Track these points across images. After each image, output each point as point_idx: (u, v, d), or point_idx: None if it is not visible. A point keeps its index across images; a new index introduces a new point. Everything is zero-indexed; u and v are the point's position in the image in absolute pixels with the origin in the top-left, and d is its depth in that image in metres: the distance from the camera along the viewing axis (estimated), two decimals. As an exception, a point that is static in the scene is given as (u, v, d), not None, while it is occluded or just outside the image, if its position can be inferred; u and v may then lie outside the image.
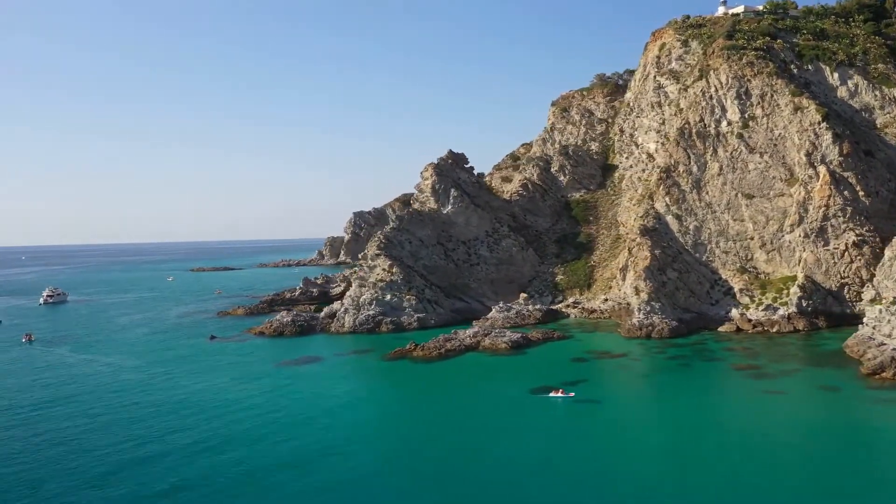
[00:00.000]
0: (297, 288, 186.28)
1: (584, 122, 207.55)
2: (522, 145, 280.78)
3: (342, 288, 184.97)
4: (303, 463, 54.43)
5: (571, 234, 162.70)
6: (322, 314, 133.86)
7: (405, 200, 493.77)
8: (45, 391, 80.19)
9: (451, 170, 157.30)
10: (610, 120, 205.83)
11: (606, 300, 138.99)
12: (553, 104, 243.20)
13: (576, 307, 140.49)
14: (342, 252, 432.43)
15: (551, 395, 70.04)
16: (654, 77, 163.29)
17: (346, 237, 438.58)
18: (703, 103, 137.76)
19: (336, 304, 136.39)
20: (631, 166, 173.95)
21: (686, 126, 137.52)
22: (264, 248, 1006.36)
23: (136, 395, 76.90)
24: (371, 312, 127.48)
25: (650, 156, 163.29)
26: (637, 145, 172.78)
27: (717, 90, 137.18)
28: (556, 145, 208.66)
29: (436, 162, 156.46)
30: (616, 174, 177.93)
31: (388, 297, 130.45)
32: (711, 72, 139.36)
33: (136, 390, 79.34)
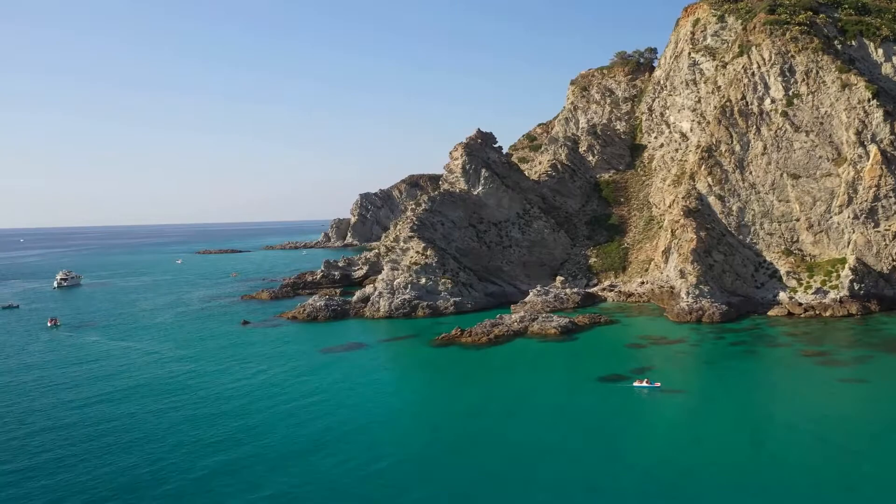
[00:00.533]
0: (319, 271, 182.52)
1: (608, 101, 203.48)
2: (538, 125, 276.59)
3: (364, 271, 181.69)
4: (409, 464, 51.13)
5: (603, 216, 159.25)
6: (354, 298, 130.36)
7: (412, 182, 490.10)
8: (96, 385, 75.65)
9: (481, 149, 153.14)
10: (634, 99, 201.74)
11: (643, 283, 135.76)
12: (572, 83, 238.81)
13: (612, 290, 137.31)
14: (349, 234, 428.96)
15: (635, 384, 66.97)
16: (689, 54, 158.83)
17: (353, 219, 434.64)
18: (745, 80, 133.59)
19: (368, 288, 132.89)
20: (661, 146, 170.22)
21: (727, 104, 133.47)
22: (262, 230, 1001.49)
23: (195, 388, 72.93)
24: (407, 296, 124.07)
25: (683, 135, 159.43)
26: (668, 124, 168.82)
27: (759, 67, 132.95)
28: (580, 125, 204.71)
29: (465, 141, 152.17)
30: (645, 154, 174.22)
31: (423, 280, 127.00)
32: (753, 48, 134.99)
33: (194, 383, 75.56)
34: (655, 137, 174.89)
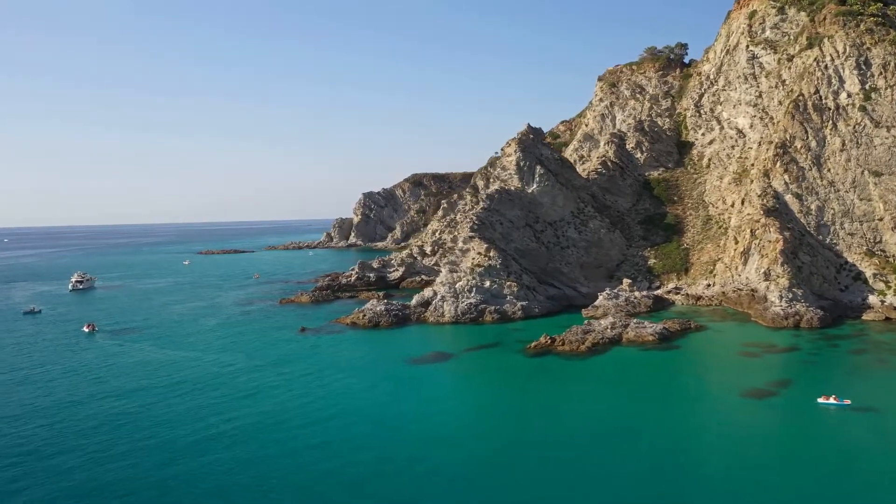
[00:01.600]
0: (353, 272, 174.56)
1: (646, 97, 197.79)
2: (561, 122, 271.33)
3: (400, 273, 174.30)
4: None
5: (657, 215, 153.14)
6: (414, 302, 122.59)
7: (415, 181, 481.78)
8: (212, 418, 66.43)
9: (533, 145, 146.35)
10: (674, 94, 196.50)
11: (710, 286, 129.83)
12: (600, 79, 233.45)
13: (677, 293, 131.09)
14: (352, 234, 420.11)
15: (820, 401, 60.44)
16: (747, 47, 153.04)
17: (356, 218, 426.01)
18: (818, 74, 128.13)
19: (427, 292, 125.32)
20: (711, 142, 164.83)
21: (800, 98, 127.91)
22: (249, 230, 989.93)
23: (298, 407, 65.16)
24: (472, 300, 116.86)
25: (740, 131, 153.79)
26: (719, 120, 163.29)
27: (832, 60, 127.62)
28: (617, 121, 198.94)
29: (518, 137, 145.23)
30: (694, 151, 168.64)
31: (488, 283, 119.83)
32: (825, 40, 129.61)
33: (292, 401, 67.76)
34: (703, 134, 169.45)
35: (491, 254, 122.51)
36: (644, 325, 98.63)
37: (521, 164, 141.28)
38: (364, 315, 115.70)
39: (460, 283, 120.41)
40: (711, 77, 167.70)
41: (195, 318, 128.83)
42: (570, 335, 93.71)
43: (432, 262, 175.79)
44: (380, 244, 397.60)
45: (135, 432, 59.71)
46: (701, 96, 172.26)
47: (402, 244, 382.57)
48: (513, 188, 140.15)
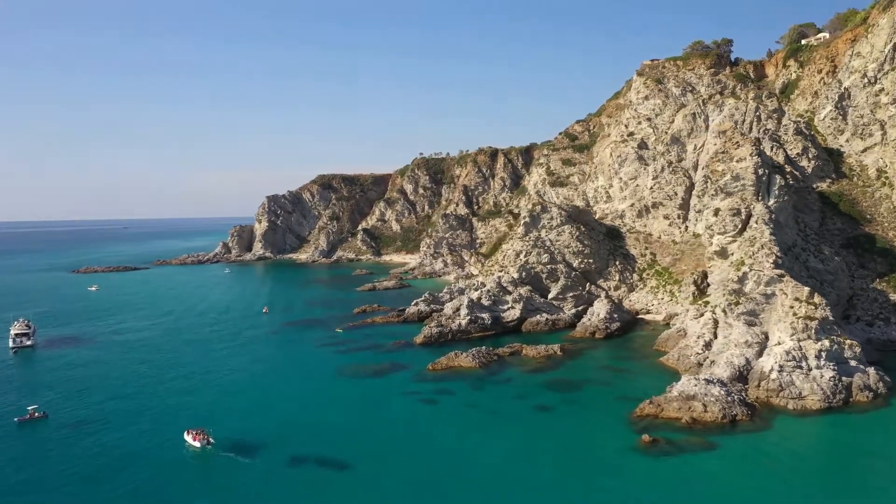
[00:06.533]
0: (459, 313, 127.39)
1: (750, 95, 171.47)
2: (577, 122, 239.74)
3: (518, 311, 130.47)
4: None
5: (861, 237, 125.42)
6: (725, 374, 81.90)
7: (323, 183, 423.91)
8: None
9: (760, 148, 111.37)
10: (776, 92, 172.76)
11: None
12: (639, 74, 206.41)
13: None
14: (258, 244, 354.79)
15: None
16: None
17: (260, 226, 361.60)
18: None
19: (737, 359, 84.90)
20: (864, 150, 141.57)
21: None
22: (52, 233, 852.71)
23: None
24: (830, 373, 79.18)
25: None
26: (883, 125, 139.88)
27: None
28: (717, 123, 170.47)
29: (750, 136, 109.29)
30: (850, 160, 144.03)
31: (826, 344, 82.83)
32: None
33: None
34: (848, 140, 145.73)
35: (816, 300, 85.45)
36: None
37: (760, 172, 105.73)
38: (689, 407, 72.97)
39: (786, 345, 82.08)
40: (869, 75, 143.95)
41: (348, 415, 77.40)
42: None
43: (551, 297, 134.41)
44: (301, 256, 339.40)
45: None
46: (842, 97, 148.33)
47: (333, 257, 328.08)
48: (746, 204, 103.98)
